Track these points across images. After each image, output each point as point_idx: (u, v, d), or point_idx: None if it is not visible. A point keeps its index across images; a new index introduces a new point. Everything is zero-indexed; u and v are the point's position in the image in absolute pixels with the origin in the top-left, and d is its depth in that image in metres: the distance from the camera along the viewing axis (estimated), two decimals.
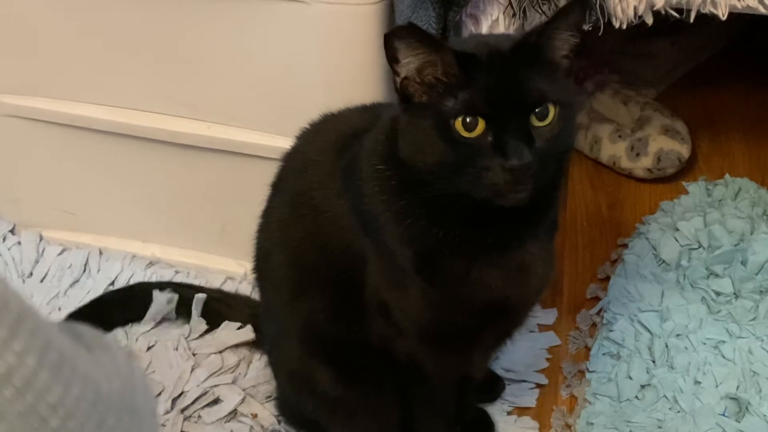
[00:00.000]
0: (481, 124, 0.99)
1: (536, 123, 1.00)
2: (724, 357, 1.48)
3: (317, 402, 1.30)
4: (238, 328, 1.53)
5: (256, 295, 1.48)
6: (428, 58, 1.01)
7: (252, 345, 1.53)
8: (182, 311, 1.57)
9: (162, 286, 1.58)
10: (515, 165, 0.98)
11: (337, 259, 1.18)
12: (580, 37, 1.04)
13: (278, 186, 1.27)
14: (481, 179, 1.00)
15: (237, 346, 1.53)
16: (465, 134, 1.00)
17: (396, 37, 1.01)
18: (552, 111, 1.01)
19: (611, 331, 1.53)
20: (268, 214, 1.28)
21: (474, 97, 1.00)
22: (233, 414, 1.45)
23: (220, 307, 1.56)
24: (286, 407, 1.42)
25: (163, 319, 1.58)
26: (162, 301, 1.55)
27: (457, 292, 1.12)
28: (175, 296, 1.55)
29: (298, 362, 1.28)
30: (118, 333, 1.57)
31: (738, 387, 1.44)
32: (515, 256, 1.11)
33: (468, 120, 0.99)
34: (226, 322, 1.54)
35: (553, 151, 1.02)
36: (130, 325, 1.58)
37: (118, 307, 1.57)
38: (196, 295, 1.55)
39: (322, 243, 1.19)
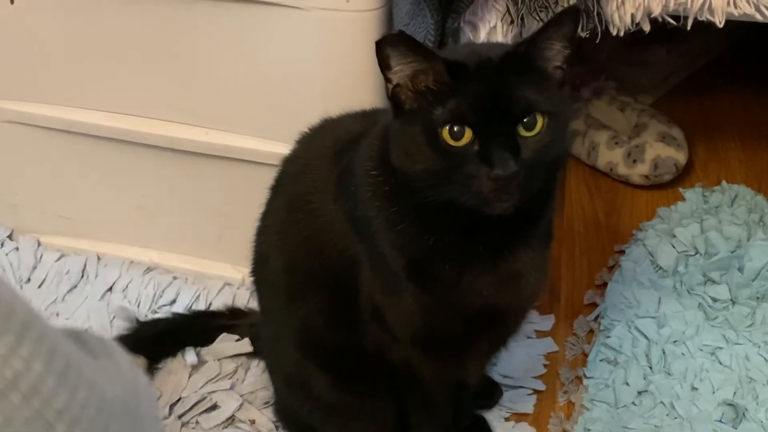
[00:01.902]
0: (468, 133, 1.00)
1: (524, 133, 1.00)
2: (721, 363, 1.48)
3: (313, 406, 1.30)
4: (237, 341, 1.53)
5: (254, 302, 1.48)
6: (419, 67, 1.01)
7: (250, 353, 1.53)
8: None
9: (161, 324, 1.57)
10: (500, 174, 0.98)
11: (333, 263, 1.18)
12: (572, 48, 1.03)
13: (276, 190, 1.28)
14: (467, 187, 1.00)
15: None
16: (452, 143, 1.00)
17: (387, 44, 1.01)
18: (540, 121, 1.00)
19: (608, 337, 1.53)
20: (265, 218, 1.28)
21: (461, 106, 1.00)
22: (231, 420, 1.45)
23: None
24: (283, 413, 1.42)
25: None
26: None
27: (449, 298, 1.12)
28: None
29: (294, 366, 1.28)
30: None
31: (735, 393, 1.44)
32: (507, 264, 1.11)
33: (455, 129, 1.00)
34: (224, 334, 1.54)
35: (541, 161, 1.02)
36: None
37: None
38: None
39: (318, 247, 1.19)
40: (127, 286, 1.66)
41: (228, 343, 1.53)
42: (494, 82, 1.00)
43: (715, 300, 1.58)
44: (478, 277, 1.10)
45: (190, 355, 1.52)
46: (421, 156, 1.02)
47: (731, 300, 1.58)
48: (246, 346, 1.52)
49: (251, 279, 1.34)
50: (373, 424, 1.31)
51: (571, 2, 1.36)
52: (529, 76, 1.01)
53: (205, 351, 1.53)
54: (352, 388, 1.27)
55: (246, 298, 1.60)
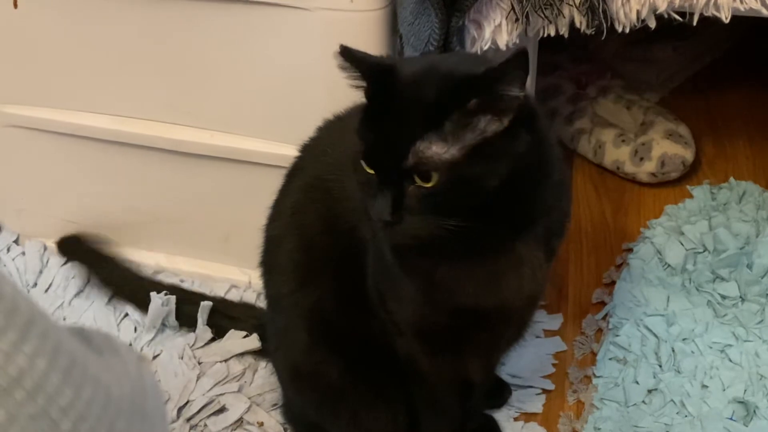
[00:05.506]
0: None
1: (420, 182, 0.97)
2: (731, 361, 1.48)
3: (322, 398, 1.29)
4: (244, 337, 1.53)
5: (261, 303, 1.48)
6: (361, 85, 1.02)
7: (257, 353, 1.53)
8: (186, 320, 1.57)
9: (164, 289, 1.59)
10: (375, 218, 0.99)
11: (345, 242, 1.17)
12: (522, 88, 0.96)
13: (295, 173, 1.27)
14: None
15: (242, 354, 1.53)
16: (368, 170, 1.00)
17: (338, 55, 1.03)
18: (435, 176, 0.96)
19: (617, 335, 1.53)
20: (280, 202, 1.28)
21: (366, 144, 1.00)
22: (239, 422, 1.45)
23: (223, 320, 1.55)
24: (292, 415, 1.41)
25: (167, 327, 1.58)
26: (158, 304, 1.54)
27: (425, 289, 1.11)
28: (172, 298, 1.55)
29: (304, 355, 1.26)
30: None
31: (745, 391, 1.43)
32: (486, 266, 1.08)
33: (365, 163, 1.00)
34: (232, 330, 1.54)
35: (443, 207, 0.97)
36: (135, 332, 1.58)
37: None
38: (202, 303, 1.54)
39: (332, 224, 1.18)
40: None
41: (235, 341, 1.53)
42: (397, 128, 0.98)
43: (724, 297, 1.57)
44: (451, 274, 1.08)
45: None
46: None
47: (740, 297, 1.57)
48: (254, 342, 1.52)
49: (260, 270, 1.32)
50: (385, 414, 1.29)
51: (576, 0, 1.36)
52: (445, 125, 0.96)
53: (212, 350, 1.53)
54: (366, 375, 1.26)
55: (253, 300, 1.60)
